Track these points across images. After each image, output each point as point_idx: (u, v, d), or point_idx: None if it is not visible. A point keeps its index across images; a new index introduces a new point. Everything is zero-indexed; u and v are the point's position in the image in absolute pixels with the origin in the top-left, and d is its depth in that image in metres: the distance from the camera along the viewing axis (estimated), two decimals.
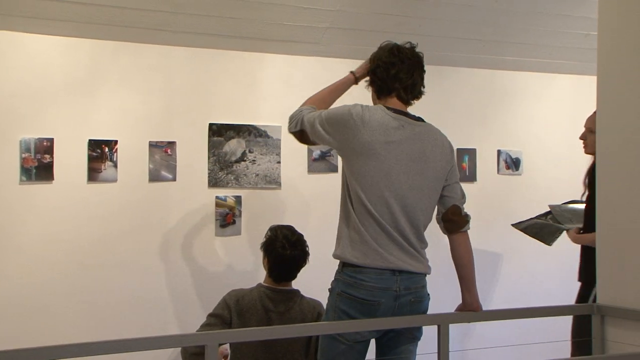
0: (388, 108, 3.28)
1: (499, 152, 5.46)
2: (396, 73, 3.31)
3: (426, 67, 5.16)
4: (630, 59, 3.28)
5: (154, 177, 4.53)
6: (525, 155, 5.54)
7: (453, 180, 3.40)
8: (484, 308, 3.54)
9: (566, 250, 5.50)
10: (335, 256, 3.30)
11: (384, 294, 3.19)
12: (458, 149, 5.29)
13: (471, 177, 5.35)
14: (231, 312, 3.79)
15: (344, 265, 3.25)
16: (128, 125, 4.47)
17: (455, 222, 3.39)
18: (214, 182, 4.64)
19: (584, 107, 5.37)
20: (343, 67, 4.92)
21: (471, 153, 5.34)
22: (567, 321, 3.74)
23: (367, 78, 3.46)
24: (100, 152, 4.38)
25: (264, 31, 4.57)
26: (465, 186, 5.18)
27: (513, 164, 5.48)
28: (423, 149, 3.27)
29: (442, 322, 3.25)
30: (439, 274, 5.12)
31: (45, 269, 4.26)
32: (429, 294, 3.41)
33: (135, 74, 4.51)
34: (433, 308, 3.54)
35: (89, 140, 4.36)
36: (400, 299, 3.24)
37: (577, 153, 5.52)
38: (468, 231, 3.44)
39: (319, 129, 3.27)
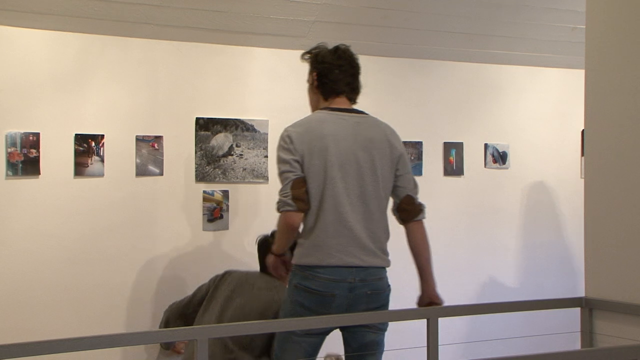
0: (324, 108, 3.47)
1: (485, 145, 5.45)
2: (344, 76, 3.48)
3: (412, 61, 5.22)
4: (619, 52, 3.29)
5: (141, 171, 4.50)
6: (512, 149, 5.53)
7: (405, 171, 3.48)
8: (473, 302, 3.57)
9: (554, 243, 5.55)
10: (292, 261, 3.44)
11: (337, 286, 3.29)
12: (445, 143, 5.30)
13: (458, 172, 5.35)
14: (213, 282, 4.07)
15: None
16: (115, 119, 4.44)
17: (409, 211, 3.47)
18: (201, 177, 4.62)
19: (571, 100, 5.43)
20: None
21: (458, 147, 5.34)
22: (556, 314, 3.75)
23: (312, 81, 3.56)
24: (87, 147, 4.35)
25: (250, 25, 4.55)
26: (452, 180, 5.31)
27: (500, 157, 5.49)
28: (370, 138, 3.40)
29: (431, 316, 3.25)
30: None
31: (32, 264, 4.23)
32: (389, 286, 3.45)
33: (122, 68, 4.47)
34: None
35: (76, 134, 4.33)
36: (355, 290, 3.32)
37: (564, 146, 5.57)
38: (424, 220, 3.52)
39: (286, 177, 3.33)
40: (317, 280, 3.30)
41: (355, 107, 3.53)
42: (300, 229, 3.40)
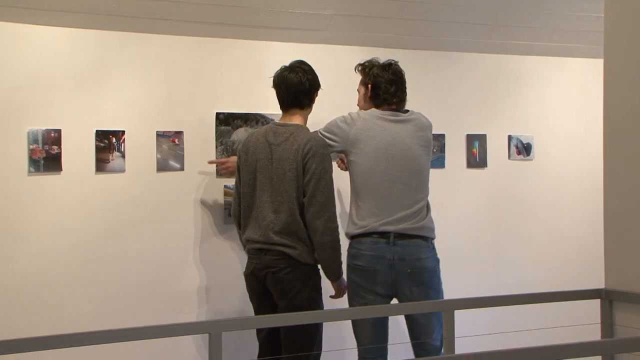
0: (375, 110, 4.05)
1: (509, 137, 5.40)
2: (395, 90, 4.06)
3: (433, 53, 5.22)
4: (637, 41, 3.25)
5: (162, 167, 4.52)
6: (536, 140, 5.49)
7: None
8: (496, 294, 3.62)
9: (578, 235, 5.49)
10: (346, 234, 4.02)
11: (379, 262, 3.78)
12: (468, 135, 5.27)
13: (482, 163, 5.31)
14: (240, 151, 4.13)
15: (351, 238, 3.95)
16: (135, 115, 4.47)
17: None
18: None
19: (596, 90, 5.32)
20: (350, 54, 4.96)
21: (481, 139, 5.30)
22: (577, 306, 3.71)
23: (365, 91, 4.13)
24: (108, 143, 4.38)
25: (269, 19, 4.56)
26: (476, 172, 5.29)
27: (524, 149, 5.44)
28: (413, 129, 3.99)
29: (448, 309, 3.25)
30: (451, 261, 5.13)
31: (54, 260, 4.26)
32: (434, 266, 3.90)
33: (141, 64, 4.50)
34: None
35: (96, 130, 4.36)
36: (395, 267, 3.77)
37: (590, 137, 5.51)
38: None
39: (327, 137, 4.01)
40: (362, 257, 3.82)
41: None
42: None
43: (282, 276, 3.86)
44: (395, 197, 3.85)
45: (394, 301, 3.88)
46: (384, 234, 3.80)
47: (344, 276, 3.96)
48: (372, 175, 3.87)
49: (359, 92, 4.18)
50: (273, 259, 3.88)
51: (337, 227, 3.88)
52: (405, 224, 3.81)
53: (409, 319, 3.87)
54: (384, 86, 4.03)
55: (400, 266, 3.76)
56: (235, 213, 4.11)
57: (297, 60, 4.11)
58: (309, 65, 4.10)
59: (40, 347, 2.67)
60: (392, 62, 4.10)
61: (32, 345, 2.63)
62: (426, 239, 3.87)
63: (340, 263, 3.94)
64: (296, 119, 4.04)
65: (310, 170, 3.85)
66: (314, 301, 3.92)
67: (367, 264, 3.79)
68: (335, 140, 3.97)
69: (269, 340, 3.96)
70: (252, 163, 3.99)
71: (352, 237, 3.93)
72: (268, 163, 3.93)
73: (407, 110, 4.07)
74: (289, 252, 3.85)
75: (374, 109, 4.03)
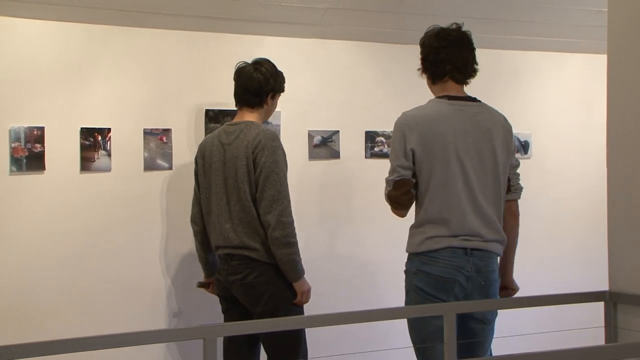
0: (440, 97, 3.52)
1: None
2: (446, 56, 3.48)
3: None
4: None
5: (149, 165, 4.41)
6: (534, 138, 5.38)
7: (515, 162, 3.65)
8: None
9: (578, 235, 5.39)
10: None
11: (458, 273, 3.37)
12: None
13: None
14: (197, 157, 3.99)
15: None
16: (121, 112, 4.35)
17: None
18: None
19: (596, 86, 5.24)
20: (344, 49, 4.84)
21: None
22: (580, 309, 3.62)
23: (419, 67, 3.61)
24: (93, 141, 4.26)
25: (261, 13, 4.44)
26: None
27: (522, 147, 5.32)
28: (489, 129, 3.48)
29: (448, 313, 3.14)
30: None
31: (37, 261, 4.15)
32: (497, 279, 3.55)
33: (128, 59, 4.39)
34: None
35: (81, 128, 4.24)
36: (471, 280, 3.39)
37: (589, 135, 5.40)
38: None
39: (397, 167, 3.42)
40: (437, 265, 3.39)
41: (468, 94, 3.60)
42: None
43: (250, 281, 3.77)
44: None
45: None
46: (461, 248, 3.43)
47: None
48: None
49: None
50: (238, 264, 3.79)
51: (291, 222, 3.71)
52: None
53: (468, 328, 3.48)
54: (431, 56, 3.51)
55: (476, 278, 3.41)
56: (195, 219, 4.05)
57: (261, 58, 4.02)
58: (271, 66, 4.00)
59: (24, 355, 2.54)
60: (452, 26, 3.57)
61: (13, 353, 2.50)
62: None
63: (297, 261, 3.76)
64: (248, 119, 3.94)
65: (260, 163, 3.74)
66: (289, 299, 3.83)
67: (444, 274, 3.37)
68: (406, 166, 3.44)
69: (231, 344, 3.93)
70: (208, 167, 3.92)
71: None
72: (221, 165, 3.85)
73: (474, 98, 3.59)
74: (251, 255, 3.76)
75: (435, 100, 3.54)
